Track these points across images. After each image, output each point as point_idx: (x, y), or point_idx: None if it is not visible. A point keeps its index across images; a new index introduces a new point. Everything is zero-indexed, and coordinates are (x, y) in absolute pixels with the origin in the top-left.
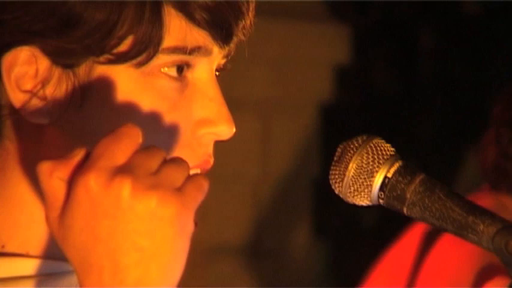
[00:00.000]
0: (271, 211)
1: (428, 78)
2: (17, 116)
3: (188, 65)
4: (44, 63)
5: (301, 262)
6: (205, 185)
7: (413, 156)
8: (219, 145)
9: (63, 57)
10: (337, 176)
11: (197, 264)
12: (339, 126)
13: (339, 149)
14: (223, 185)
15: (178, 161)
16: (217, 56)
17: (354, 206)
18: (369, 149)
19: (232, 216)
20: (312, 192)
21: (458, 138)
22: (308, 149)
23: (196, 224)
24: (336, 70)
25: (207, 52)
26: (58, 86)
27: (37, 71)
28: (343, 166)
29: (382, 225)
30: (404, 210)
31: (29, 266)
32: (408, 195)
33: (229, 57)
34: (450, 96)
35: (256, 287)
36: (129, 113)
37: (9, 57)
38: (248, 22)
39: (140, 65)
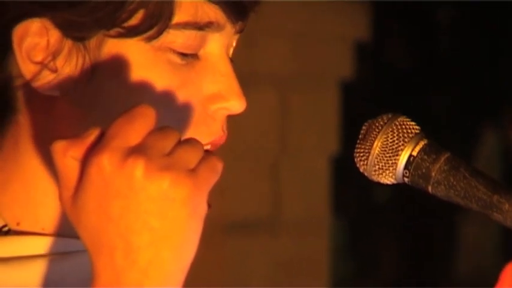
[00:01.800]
0: (289, 187)
1: (446, 54)
2: (28, 88)
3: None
4: (54, 35)
5: (319, 238)
6: (219, 166)
7: (430, 132)
8: (237, 120)
9: (74, 30)
10: (362, 155)
11: (215, 240)
12: (357, 102)
13: (363, 127)
14: (241, 160)
15: (193, 142)
16: (230, 31)
17: (371, 183)
18: (394, 127)
19: (250, 192)
20: (330, 168)
21: (476, 114)
22: (326, 124)
23: (209, 205)
24: (355, 45)
25: (219, 27)
26: (68, 58)
27: (48, 42)
28: (368, 144)
29: (398, 203)
30: (429, 188)
31: (44, 244)
32: (433, 174)
33: (242, 32)
34: (468, 72)
35: (274, 262)
36: (140, 87)
37: (20, 28)
38: None
39: (151, 39)
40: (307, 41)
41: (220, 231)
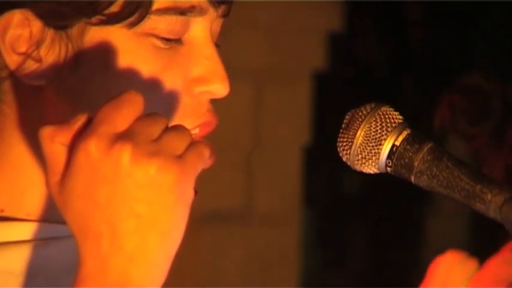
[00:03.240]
0: (263, 179)
1: (417, 48)
2: (14, 78)
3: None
4: (36, 25)
5: (290, 228)
6: (206, 152)
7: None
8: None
9: (55, 19)
10: (345, 144)
11: (189, 231)
12: (331, 95)
13: (347, 117)
14: (216, 152)
15: (180, 129)
16: (213, 15)
17: (343, 174)
18: (377, 116)
19: (224, 183)
20: (303, 159)
21: None
22: (300, 117)
23: (196, 192)
24: (328, 38)
25: (202, 11)
26: (52, 47)
27: (30, 33)
28: (351, 134)
29: (370, 194)
30: (412, 178)
31: (28, 230)
32: (416, 164)
33: (226, 17)
34: (440, 65)
35: (246, 253)
36: (124, 74)
37: (2, 20)
38: None
39: (132, 25)
40: (280, 34)
41: (194, 222)
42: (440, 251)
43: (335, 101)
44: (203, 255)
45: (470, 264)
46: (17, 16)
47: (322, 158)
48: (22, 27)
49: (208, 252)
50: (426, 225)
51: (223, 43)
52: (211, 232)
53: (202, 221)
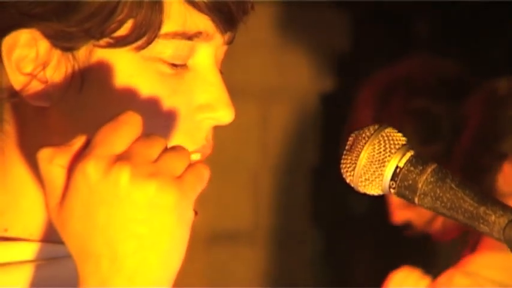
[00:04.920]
0: (269, 198)
1: None
2: (17, 98)
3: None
4: (43, 45)
5: (298, 248)
6: (205, 173)
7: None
8: (218, 132)
9: (62, 41)
10: (348, 165)
11: (196, 251)
12: (337, 114)
13: (350, 138)
14: (222, 172)
15: (179, 150)
16: (219, 41)
17: (350, 194)
18: (381, 138)
19: (232, 203)
20: (310, 179)
21: None
22: (307, 136)
23: (196, 213)
24: (335, 57)
25: (208, 37)
26: (58, 68)
27: (37, 53)
28: (354, 155)
29: (376, 213)
30: (416, 200)
31: (31, 250)
32: (419, 185)
33: (231, 43)
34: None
35: (254, 273)
36: (129, 97)
37: (9, 40)
38: (248, 6)
39: (140, 49)
40: (287, 53)
41: (202, 242)
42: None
43: (342, 120)
44: (210, 275)
45: (423, 280)
46: (24, 35)
47: (329, 178)
48: (29, 47)
49: (215, 272)
50: (434, 245)
51: (230, 63)
52: (219, 252)
53: (209, 240)
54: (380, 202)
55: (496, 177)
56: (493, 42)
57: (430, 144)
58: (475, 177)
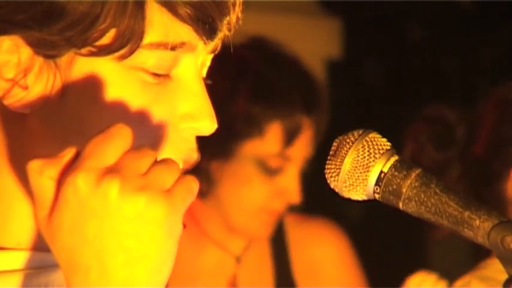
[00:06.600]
0: None
1: (417, 73)
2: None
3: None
4: (26, 52)
5: None
6: (194, 187)
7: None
8: None
9: (44, 48)
10: (332, 171)
11: None
12: (329, 120)
13: (334, 144)
14: None
15: (169, 163)
16: (202, 51)
17: (342, 201)
18: (365, 143)
19: None
20: (303, 187)
21: None
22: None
23: (184, 226)
24: (327, 64)
25: (191, 48)
26: (39, 76)
27: (19, 60)
28: (338, 160)
29: (368, 221)
30: (400, 204)
31: (19, 259)
32: (404, 190)
33: (215, 53)
34: (439, 89)
35: None
36: (111, 106)
37: None
38: (234, 17)
39: (122, 58)
40: None
41: None
42: (444, 276)
43: (334, 125)
44: None
45: (439, 284)
46: (6, 42)
47: (323, 184)
48: (11, 53)
49: None
50: (428, 252)
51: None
52: None
53: None
54: (374, 209)
55: (507, 183)
56: (485, 45)
57: (444, 150)
58: (486, 184)
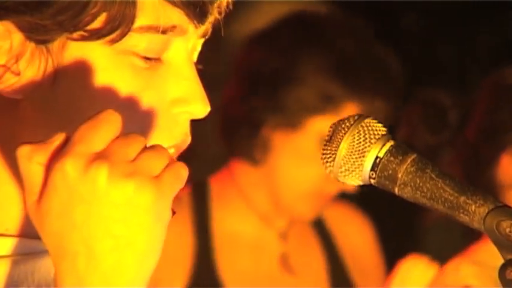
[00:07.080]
0: None
1: (414, 61)
2: None
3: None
4: (17, 38)
5: None
6: (184, 173)
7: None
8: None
9: (36, 33)
10: (328, 156)
11: None
12: None
13: (330, 129)
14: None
15: (158, 149)
16: (193, 35)
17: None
18: (360, 128)
19: None
20: None
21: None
22: None
23: (174, 212)
24: None
25: (182, 31)
26: (31, 61)
27: (11, 45)
28: (334, 146)
29: (360, 206)
30: (396, 190)
31: (7, 245)
32: (399, 175)
33: (205, 37)
34: (435, 77)
35: None
36: (102, 91)
37: None
38: (224, 1)
39: (113, 42)
40: None
41: None
42: (435, 259)
43: None
44: None
45: (430, 268)
46: None
47: None
48: (3, 39)
49: None
50: (420, 236)
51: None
52: None
53: None
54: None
55: (497, 169)
56: (482, 34)
57: (437, 133)
58: (477, 169)
